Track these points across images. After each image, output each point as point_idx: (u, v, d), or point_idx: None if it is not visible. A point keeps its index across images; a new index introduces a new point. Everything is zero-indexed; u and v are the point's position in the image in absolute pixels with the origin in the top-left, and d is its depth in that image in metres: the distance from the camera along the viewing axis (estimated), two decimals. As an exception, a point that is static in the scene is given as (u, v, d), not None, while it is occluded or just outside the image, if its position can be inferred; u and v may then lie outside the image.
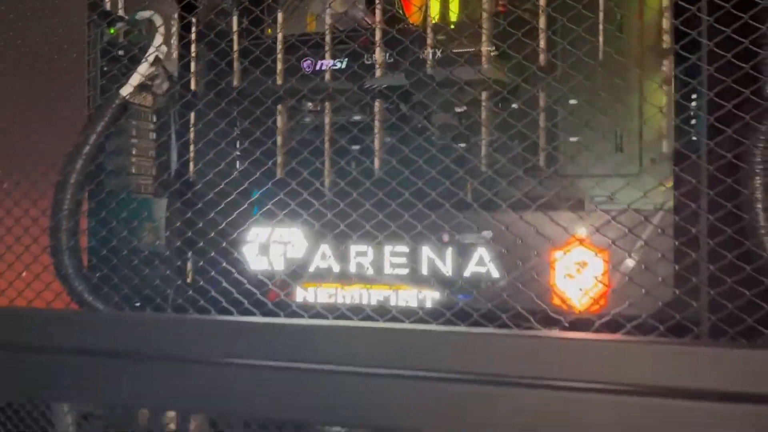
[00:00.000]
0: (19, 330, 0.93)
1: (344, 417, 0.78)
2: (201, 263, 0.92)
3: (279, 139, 1.01)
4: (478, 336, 0.75)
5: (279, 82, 1.00)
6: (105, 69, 1.02)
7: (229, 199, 0.94)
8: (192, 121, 1.11)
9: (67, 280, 0.93)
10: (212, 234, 0.90)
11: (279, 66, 1.00)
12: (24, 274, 0.94)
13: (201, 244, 0.92)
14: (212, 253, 0.90)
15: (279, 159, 1.00)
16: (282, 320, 0.83)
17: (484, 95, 0.89)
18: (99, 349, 0.88)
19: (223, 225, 0.90)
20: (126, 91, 0.96)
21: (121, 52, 1.04)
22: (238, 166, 1.06)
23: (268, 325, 0.82)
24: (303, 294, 0.91)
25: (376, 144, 0.93)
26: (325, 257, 0.90)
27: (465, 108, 0.90)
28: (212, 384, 0.83)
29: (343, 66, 0.97)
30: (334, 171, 0.96)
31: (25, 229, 0.94)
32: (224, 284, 0.88)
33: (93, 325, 0.90)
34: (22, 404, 2.71)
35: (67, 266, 0.93)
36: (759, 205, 0.69)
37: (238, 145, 1.07)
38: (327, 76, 0.98)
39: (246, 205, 0.91)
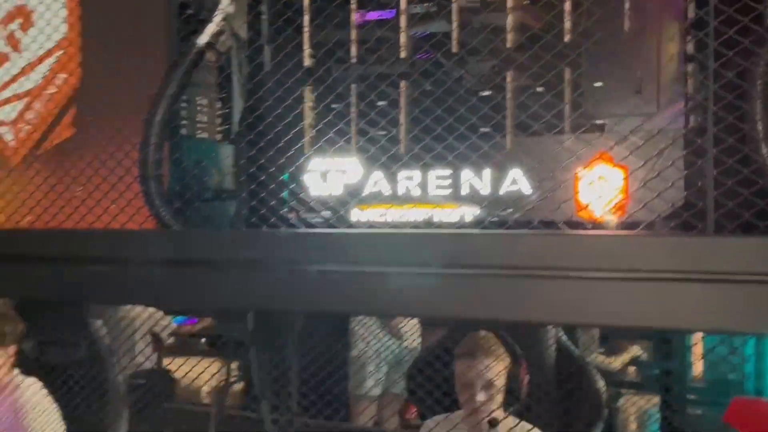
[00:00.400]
0: (114, 247, 1.07)
1: (403, 308, 0.91)
2: (271, 187, 1.06)
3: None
4: (513, 236, 0.87)
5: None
6: (179, 26, 1.16)
7: (289, 135, 1.07)
8: (252, 74, 1.25)
9: (153, 205, 1.08)
10: (282, 161, 1.04)
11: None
12: (117, 200, 1.09)
13: (272, 170, 1.06)
14: (281, 180, 1.04)
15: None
16: (342, 231, 0.96)
17: (516, 38, 1.01)
18: (183, 260, 1.02)
19: (292, 153, 1.03)
20: (202, 40, 1.10)
21: (192, 10, 1.18)
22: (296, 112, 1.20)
23: (331, 234, 0.95)
24: (359, 213, 1.05)
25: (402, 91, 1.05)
26: (377, 183, 1.03)
27: (501, 49, 1.02)
28: (280, 286, 0.96)
29: (391, 17, 1.09)
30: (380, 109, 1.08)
31: (118, 161, 1.09)
32: (291, 205, 1.02)
33: (178, 241, 1.05)
34: (81, 370, 2.91)
35: (153, 193, 1.08)
36: (757, 117, 0.80)
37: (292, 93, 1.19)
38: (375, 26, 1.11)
39: (305, 140, 1.05)
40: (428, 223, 1.00)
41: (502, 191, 0.97)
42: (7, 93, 1.18)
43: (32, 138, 1.17)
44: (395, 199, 1.02)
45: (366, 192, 1.04)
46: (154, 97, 1.08)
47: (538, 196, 0.94)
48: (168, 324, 5.02)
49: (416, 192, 1.01)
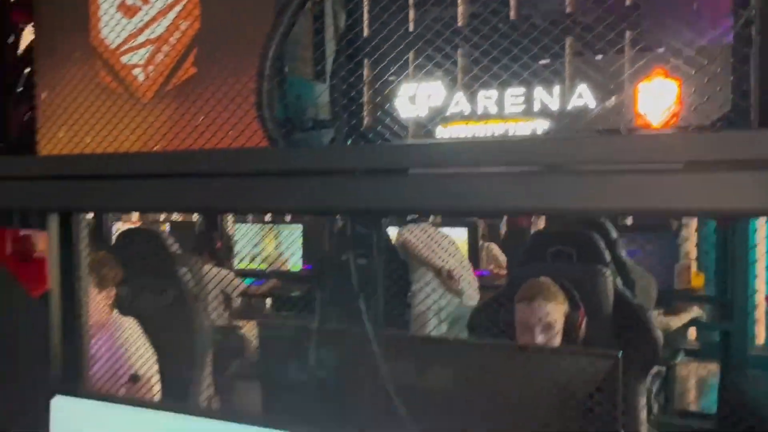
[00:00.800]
0: (234, 163, 1.28)
1: (485, 204, 1.07)
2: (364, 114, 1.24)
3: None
4: (582, 138, 1.02)
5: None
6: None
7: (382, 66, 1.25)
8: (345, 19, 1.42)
9: (267, 128, 1.28)
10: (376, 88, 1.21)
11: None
12: (237, 125, 1.29)
13: (364, 100, 1.23)
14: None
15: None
16: (431, 140, 1.13)
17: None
18: (294, 171, 1.21)
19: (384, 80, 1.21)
20: (306, -15, 1.28)
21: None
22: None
23: (421, 144, 1.12)
24: (442, 130, 1.21)
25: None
26: (458, 103, 1.20)
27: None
28: (378, 189, 1.14)
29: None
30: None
31: (238, 91, 1.29)
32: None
33: (290, 155, 1.24)
34: (170, 315, 3.20)
35: (266, 118, 1.27)
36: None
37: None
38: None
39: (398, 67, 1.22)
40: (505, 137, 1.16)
41: (570, 105, 1.11)
42: (141, 39, 1.39)
43: (161, 77, 1.38)
44: (475, 116, 1.18)
45: (449, 112, 1.20)
46: (267, 37, 1.27)
47: (601, 108, 1.08)
48: (233, 281, 5.31)
49: (493, 109, 1.17)
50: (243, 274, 6.08)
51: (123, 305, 3.17)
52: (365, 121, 1.25)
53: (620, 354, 1.54)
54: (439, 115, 1.21)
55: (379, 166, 1.13)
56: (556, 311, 2.81)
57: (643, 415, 3.43)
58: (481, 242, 6.61)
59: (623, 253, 3.89)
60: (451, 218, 7.59)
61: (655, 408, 4.27)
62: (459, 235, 6.02)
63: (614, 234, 3.91)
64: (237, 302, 6.31)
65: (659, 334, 3.10)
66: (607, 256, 3.33)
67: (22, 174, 1.53)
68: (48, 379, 1.53)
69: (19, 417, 1.52)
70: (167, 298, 3.52)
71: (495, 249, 6.67)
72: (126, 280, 3.23)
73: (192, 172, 1.29)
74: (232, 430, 1.08)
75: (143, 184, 1.37)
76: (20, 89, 1.69)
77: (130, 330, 3.02)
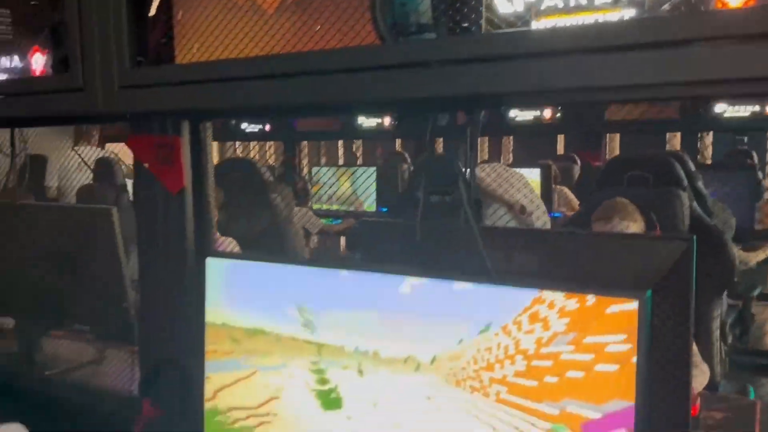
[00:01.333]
0: (351, 59, 1.47)
1: (582, 79, 1.22)
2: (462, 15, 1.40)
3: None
4: (660, 17, 1.15)
5: None
6: None
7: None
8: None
9: (380, 30, 1.46)
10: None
11: None
12: (354, 26, 1.48)
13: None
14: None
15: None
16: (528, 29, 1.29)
17: None
18: (405, 64, 1.40)
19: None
20: None
21: None
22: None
23: (520, 32, 1.28)
24: (536, 24, 1.37)
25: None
26: (553, -1, 1.34)
27: None
28: (485, 74, 1.31)
29: None
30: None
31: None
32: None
33: (394, 50, 1.43)
34: (263, 241, 3.48)
35: (379, 20, 1.46)
36: None
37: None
38: None
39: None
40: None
41: (653, -7, 1.24)
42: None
43: (284, -10, 1.59)
44: (567, 9, 1.33)
45: (543, 6, 1.35)
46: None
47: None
48: (313, 219, 5.66)
49: (584, 1, 1.31)
50: (320, 214, 6.41)
51: (223, 227, 3.51)
52: (464, 22, 1.41)
53: (694, 238, 1.66)
54: (534, 9, 1.36)
55: (482, 53, 1.30)
56: (632, 230, 2.93)
57: (717, 340, 3.52)
58: (553, 186, 6.67)
59: (701, 185, 3.92)
60: (525, 160, 7.58)
61: (730, 338, 4.33)
62: (532, 176, 6.10)
63: (692, 166, 3.94)
64: (314, 241, 6.67)
65: (734, 256, 3.16)
66: (684, 182, 3.39)
67: (156, 81, 1.78)
68: (189, 251, 1.82)
69: (175, 276, 1.82)
70: (262, 222, 3.85)
71: (568, 192, 6.72)
72: (225, 205, 3.56)
73: (311, 71, 1.50)
74: (361, 278, 1.31)
75: (265, 84, 1.59)
76: (154, 13, 1.93)
77: (231, 247, 3.35)
